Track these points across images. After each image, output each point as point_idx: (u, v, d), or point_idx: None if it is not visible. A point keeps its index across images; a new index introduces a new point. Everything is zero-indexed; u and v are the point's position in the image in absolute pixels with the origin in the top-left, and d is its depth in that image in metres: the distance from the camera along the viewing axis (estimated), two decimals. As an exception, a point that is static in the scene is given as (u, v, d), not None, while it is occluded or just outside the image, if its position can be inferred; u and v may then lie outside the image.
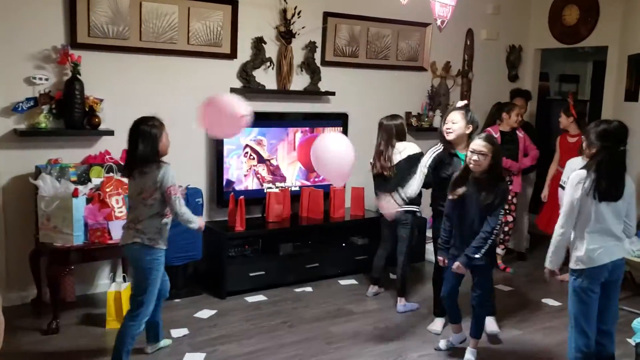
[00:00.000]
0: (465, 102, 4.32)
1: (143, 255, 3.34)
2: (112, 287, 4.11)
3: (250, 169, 5.10)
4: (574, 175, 3.14)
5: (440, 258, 3.79)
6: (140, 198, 3.32)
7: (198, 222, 3.48)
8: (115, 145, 4.43)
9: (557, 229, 3.19)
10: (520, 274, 5.66)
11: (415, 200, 4.23)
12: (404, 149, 4.59)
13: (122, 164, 4.32)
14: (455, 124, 3.90)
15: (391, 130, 4.61)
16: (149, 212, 3.32)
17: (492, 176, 3.52)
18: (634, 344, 3.51)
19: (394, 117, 4.70)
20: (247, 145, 5.05)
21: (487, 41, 6.66)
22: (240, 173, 5.05)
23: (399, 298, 4.63)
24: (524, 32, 7.03)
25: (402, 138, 4.67)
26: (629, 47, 6.02)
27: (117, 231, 4.05)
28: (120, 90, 4.56)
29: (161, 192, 3.29)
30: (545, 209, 5.70)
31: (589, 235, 3.11)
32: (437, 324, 4.28)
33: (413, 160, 4.33)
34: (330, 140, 4.07)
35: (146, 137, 3.29)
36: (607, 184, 3.02)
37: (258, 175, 5.15)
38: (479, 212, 3.53)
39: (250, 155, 5.10)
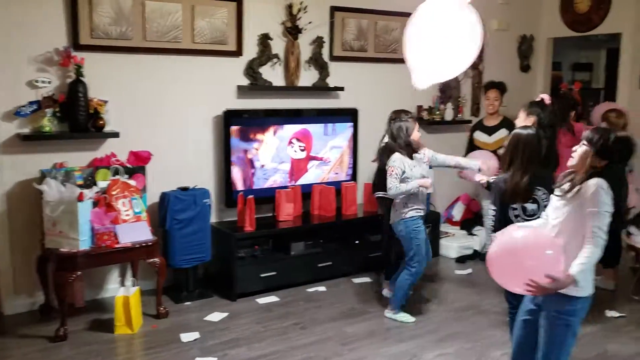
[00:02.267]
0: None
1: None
2: (120, 291, 4.05)
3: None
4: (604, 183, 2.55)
5: None
6: None
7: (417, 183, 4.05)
8: (121, 147, 4.37)
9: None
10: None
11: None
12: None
13: (129, 166, 4.28)
14: None
15: None
16: None
17: None
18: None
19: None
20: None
21: (498, 31, 6.52)
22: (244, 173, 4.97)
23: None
24: (535, 21, 6.88)
25: None
26: (644, 34, 5.86)
27: (124, 235, 3.99)
28: (125, 92, 4.49)
29: None
30: None
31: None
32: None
33: None
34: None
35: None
36: None
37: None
38: None
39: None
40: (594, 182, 2.51)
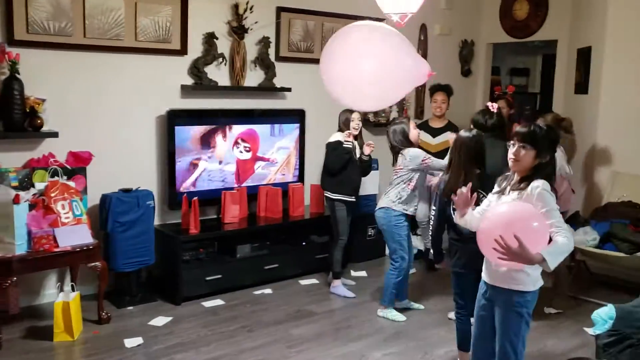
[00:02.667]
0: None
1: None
2: (59, 297, 3.89)
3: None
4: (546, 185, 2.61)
5: None
6: None
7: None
8: (60, 148, 4.21)
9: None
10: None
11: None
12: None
13: (68, 167, 4.13)
14: None
15: None
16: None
17: None
18: (594, 334, 3.51)
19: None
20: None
21: (440, 36, 6.66)
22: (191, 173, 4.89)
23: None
24: (476, 26, 7.07)
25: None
26: (578, 40, 6.11)
27: (64, 238, 3.85)
28: (64, 90, 4.33)
29: None
30: None
31: None
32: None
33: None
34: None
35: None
36: None
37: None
38: None
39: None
40: (537, 185, 2.56)
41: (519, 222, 2.47)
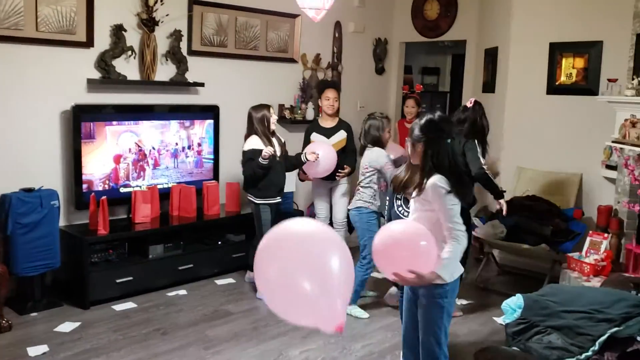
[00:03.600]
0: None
1: None
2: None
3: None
4: (444, 182, 2.58)
5: None
6: None
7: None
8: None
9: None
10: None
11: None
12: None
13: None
14: None
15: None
16: None
17: None
18: (503, 323, 3.65)
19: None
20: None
21: (354, 34, 6.73)
22: (103, 170, 4.67)
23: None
24: (389, 25, 7.19)
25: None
26: (485, 41, 6.35)
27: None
28: (-44, 82, 4.02)
29: None
30: None
31: None
32: None
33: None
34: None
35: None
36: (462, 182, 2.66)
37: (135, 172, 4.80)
38: None
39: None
40: (431, 183, 2.56)
41: (406, 242, 2.52)
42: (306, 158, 4.68)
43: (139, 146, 4.87)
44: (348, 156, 5.01)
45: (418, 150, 2.63)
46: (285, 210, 5.31)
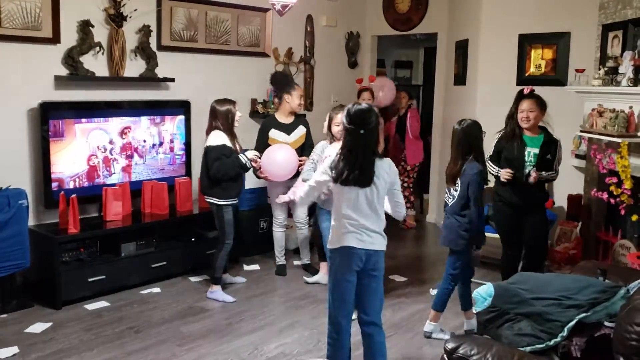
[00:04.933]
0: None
1: None
2: None
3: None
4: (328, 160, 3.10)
5: None
6: None
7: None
8: None
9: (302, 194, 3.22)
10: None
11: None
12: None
13: None
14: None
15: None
16: None
17: None
18: (475, 312, 3.68)
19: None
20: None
21: (326, 27, 6.72)
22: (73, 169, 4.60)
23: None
24: (361, 19, 7.20)
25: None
26: (456, 33, 6.39)
27: None
28: None
29: None
30: None
31: (340, 218, 3.02)
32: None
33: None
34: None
35: None
36: (354, 169, 2.92)
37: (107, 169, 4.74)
38: None
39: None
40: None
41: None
42: (251, 164, 4.48)
43: (109, 143, 4.81)
44: (306, 151, 4.87)
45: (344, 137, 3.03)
46: (261, 205, 5.29)
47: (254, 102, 5.96)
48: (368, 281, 3.06)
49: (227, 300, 4.50)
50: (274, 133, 4.92)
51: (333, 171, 2.97)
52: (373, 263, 3.04)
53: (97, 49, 4.73)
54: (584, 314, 2.91)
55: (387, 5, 7.08)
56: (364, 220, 2.98)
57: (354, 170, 2.92)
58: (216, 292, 4.55)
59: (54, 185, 4.52)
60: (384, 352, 3.16)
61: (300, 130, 5.00)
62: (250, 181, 5.43)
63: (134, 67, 5.00)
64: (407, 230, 6.73)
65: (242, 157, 4.41)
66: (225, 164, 4.33)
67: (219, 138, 4.37)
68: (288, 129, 4.97)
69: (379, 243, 3.04)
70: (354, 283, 3.04)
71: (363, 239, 3.00)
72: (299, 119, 5.08)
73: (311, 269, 5.11)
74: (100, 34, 4.75)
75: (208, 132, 4.45)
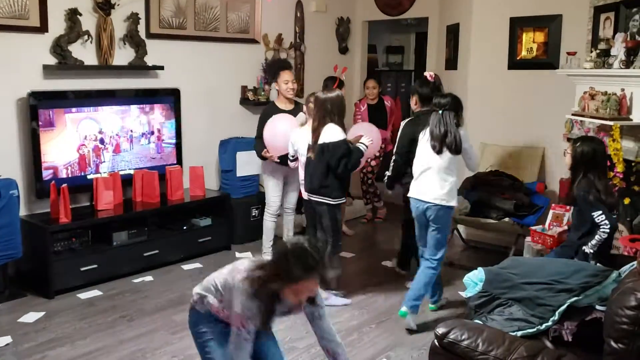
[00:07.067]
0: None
1: None
2: None
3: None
4: None
5: None
6: None
7: None
8: None
9: None
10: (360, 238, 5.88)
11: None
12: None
13: None
14: None
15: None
16: None
17: None
18: (466, 297, 3.70)
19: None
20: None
21: (316, 13, 6.68)
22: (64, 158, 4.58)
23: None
24: (351, 4, 7.15)
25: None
26: (447, 18, 6.35)
27: None
28: None
29: None
30: None
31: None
32: None
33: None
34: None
35: None
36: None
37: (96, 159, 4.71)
38: None
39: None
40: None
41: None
42: (365, 146, 4.16)
43: (99, 132, 4.78)
44: None
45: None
46: (251, 193, 5.26)
47: (244, 89, 5.92)
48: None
49: (346, 303, 4.31)
50: None
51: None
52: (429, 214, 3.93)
53: (86, 37, 4.69)
54: (575, 298, 2.93)
55: (378, -10, 7.03)
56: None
57: None
58: (333, 297, 4.29)
59: (45, 174, 4.49)
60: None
61: (301, 117, 4.92)
62: (243, 169, 5.43)
63: (123, 55, 4.95)
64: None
65: (361, 145, 4.13)
66: (353, 159, 4.07)
67: (338, 132, 4.04)
68: None
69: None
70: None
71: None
72: (299, 106, 4.97)
73: None
74: (88, 22, 4.70)
75: (320, 127, 4.07)
